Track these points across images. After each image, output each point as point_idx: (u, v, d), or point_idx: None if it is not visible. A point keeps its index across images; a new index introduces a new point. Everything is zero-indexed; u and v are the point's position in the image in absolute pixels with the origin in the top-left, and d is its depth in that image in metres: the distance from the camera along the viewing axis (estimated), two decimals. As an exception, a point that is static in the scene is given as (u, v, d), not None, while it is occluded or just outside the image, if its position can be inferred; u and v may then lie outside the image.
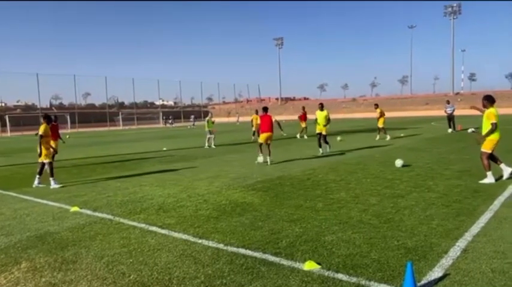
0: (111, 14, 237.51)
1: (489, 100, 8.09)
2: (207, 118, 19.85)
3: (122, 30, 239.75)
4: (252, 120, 22.21)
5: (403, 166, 10.34)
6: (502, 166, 8.31)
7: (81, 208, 6.97)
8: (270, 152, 12.09)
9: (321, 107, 14.29)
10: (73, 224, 6.00)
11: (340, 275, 3.78)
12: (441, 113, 29.42)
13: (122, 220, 6.10)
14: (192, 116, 67.67)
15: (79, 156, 17.19)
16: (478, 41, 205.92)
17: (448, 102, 24.83)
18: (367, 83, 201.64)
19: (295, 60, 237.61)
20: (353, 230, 5.15)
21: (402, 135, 21.76)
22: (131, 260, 4.38)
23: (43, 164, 9.54)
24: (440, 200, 6.64)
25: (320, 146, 14.14)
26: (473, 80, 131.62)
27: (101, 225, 5.88)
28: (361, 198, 6.98)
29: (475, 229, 5.04)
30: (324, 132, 14.04)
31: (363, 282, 3.63)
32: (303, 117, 23.27)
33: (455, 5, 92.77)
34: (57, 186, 9.27)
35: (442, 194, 7.04)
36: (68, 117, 62.40)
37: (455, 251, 4.28)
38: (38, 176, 9.61)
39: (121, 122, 68.95)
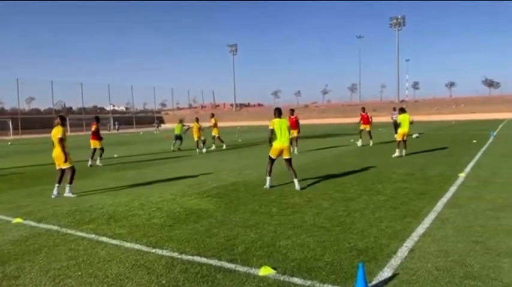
0: (54, 14, 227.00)
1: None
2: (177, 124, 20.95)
3: (69, 33, 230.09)
4: (192, 128, 20.34)
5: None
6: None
7: (24, 219, 6.56)
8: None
9: (279, 113, 8.87)
10: (15, 236, 5.64)
11: (295, 279, 3.83)
12: (388, 119, 30.78)
13: (69, 231, 5.81)
14: (156, 121, 66.30)
15: (22, 164, 16.22)
16: (421, 52, 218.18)
17: (394, 109, 26.10)
18: (319, 90, 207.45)
19: (249, 67, 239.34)
20: (307, 234, 5.25)
21: (352, 140, 22.52)
22: (80, 273, 4.18)
23: (63, 171, 8.59)
24: (389, 202, 6.93)
25: (270, 173, 8.86)
26: (417, 88, 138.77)
27: (47, 237, 5.56)
28: (314, 202, 7.13)
29: (420, 229, 5.30)
30: (288, 156, 8.66)
31: (317, 285, 3.70)
32: (365, 119, 19.17)
33: (399, 17, 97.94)
34: (72, 195, 8.44)
35: (390, 197, 7.35)
36: (10, 123, 58.78)
37: (403, 252, 4.48)
38: (57, 185, 8.57)
39: (68, 128, 65.94)
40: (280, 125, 8.58)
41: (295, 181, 8.54)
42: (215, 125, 20.30)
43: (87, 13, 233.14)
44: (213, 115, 20.65)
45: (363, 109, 19.81)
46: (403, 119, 14.26)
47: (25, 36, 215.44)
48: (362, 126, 19.36)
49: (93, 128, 14.86)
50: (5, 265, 4.52)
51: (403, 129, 14.13)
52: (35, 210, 7.33)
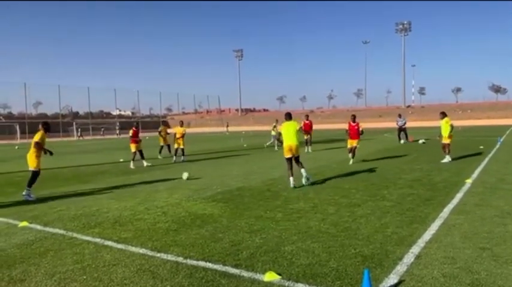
0: (61, 18, 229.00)
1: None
2: (273, 124, 23.09)
3: (76, 38, 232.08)
4: (159, 132, 19.37)
5: None
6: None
7: (30, 223, 6.60)
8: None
9: (289, 116, 10.01)
10: (21, 240, 5.67)
11: (300, 285, 3.81)
12: (394, 124, 30.69)
13: (75, 235, 5.83)
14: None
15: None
16: (427, 57, 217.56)
17: (399, 115, 26.08)
18: (325, 96, 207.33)
19: (255, 72, 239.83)
20: (312, 239, 5.22)
21: (358, 146, 22.45)
22: (85, 277, 4.19)
23: (37, 172, 9.17)
24: (394, 208, 6.89)
25: (293, 174, 9.46)
26: (423, 93, 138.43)
27: (52, 241, 5.59)
28: (320, 208, 7.11)
29: (427, 235, 5.27)
30: (296, 154, 9.56)
31: (322, 291, 3.68)
32: (355, 132, 13.88)
33: (405, 22, 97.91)
34: (30, 198, 8.85)
35: (396, 203, 7.31)
36: (18, 127, 59.20)
37: (409, 258, 4.45)
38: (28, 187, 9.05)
39: (75, 132, 66.30)
40: (288, 128, 9.68)
41: (302, 170, 9.54)
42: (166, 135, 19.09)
43: (93, 16, 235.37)
44: (182, 123, 18.29)
45: (353, 117, 14.21)
46: (442, 123, 14.14)
47: (32, 40, 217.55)
48: (349, 143, 14.13)
49: (130, 133, 15.98)
50: (11, 268, 4.54)
51: (444, 134, 13.92)
52: (41, 214, 7.37)
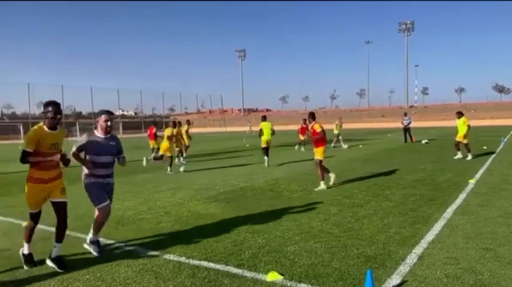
0: (64, 17, 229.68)
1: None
2: (336, 122, 22.95)
3: (78, 38, 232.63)
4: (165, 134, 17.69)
5: None
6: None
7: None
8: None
9: (265, 118, 14.76)
10: (25, 240, 5.68)
11: (302, 285, 3.81)
12: (397, 125, 30.59)
13: (78, 235, 5.86)
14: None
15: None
16: (430, 57, 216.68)
17: (405, 114, 26.03)
18: (327, 96, 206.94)
19: (257, 72, 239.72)
20: (315, 239, 5.22)
21: (360, 146, 22.43)
22: (88, 277, 4.20)
23: (171, 157, 13.34)
24: (397, 208, 6.87)
25: (268, 156, 14.18)
26: (426, 93, 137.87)
27: (56, 240, 5.59)
28: (322, 208, 7.10)
29: (430, 236, 5.25)
30: (269, 145, 14.38)
31: (325, 291, 3.67)
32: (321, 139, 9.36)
33: (408, 22, 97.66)
34: (170, 172, 12.80)
35: (399, 203, 7.30)
36: (21, 127, 59.45)
37: (412, 258, 4.44)
38: (169, 167, 13.11)
39: (78, 133, 66.44)
40: (266, 126, 14.20)
41: (267, 158, 14.03)
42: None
43: (96, 17, 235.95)
44: (189, 123, 19.40)
45: (310, 116, 10.21)
46: (458, 123, 14.97)
47: (35, 40, 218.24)
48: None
49: (154, 130, 18.33)
50: (15, 267, 4.56)
51: (460, 133, 14.85)
52: (44, 213, 7.35)
